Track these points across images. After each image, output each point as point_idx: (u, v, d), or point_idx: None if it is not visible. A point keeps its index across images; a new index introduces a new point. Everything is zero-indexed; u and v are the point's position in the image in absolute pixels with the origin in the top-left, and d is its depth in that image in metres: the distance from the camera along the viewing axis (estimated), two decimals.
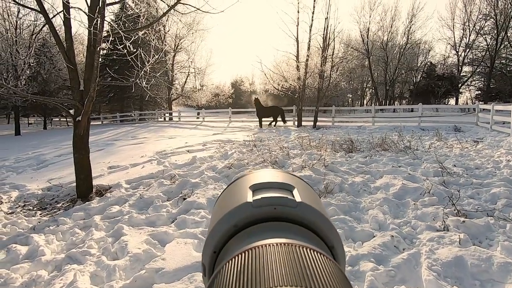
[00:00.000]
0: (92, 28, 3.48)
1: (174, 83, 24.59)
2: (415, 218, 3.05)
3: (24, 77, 19.69)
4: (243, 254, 0.22)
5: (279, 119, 14.70)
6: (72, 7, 3.88)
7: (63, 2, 3.82)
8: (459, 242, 2.37)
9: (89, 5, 3.70)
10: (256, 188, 0.31)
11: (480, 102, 24.36)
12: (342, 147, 7.07)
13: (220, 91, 34.87)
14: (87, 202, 4.02)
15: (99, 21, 3.47)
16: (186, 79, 26.15)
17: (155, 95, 22.54)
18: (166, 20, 20.04)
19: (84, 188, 4.22)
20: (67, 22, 3.86)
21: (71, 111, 4.14)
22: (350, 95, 39.13)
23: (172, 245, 2.75)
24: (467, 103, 29.52)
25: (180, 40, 22.93)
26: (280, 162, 5.54)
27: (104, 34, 4.19)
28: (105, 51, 23.44)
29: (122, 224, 3.31)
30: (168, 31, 19.52)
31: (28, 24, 17.38)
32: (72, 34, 3.97)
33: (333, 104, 17.30)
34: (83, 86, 3.97)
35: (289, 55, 15.67)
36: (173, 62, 23.14)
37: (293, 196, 0.30)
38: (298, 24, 14.57)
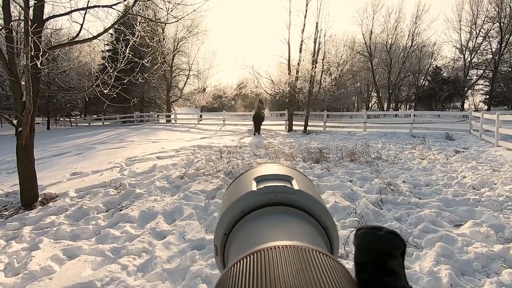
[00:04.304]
0: (23, 45, 3.55)
1: (172, 85, 24.78)
2: None
3: None
4: (249, 257, 0.22)
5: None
6: (14, 20, 3.97)
7: (4, 15, 3.92)
8: None
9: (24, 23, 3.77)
10: (260, 180, 0.35)
11: (485, 107, 23.59)
12: (311, 156, 6.97)
13: (222, 93, 34.91)
14: (25, 212, 4.10)
15: (30, 39, 3.53)
16: (186, 81, 26.36)
17: (152, 97, 22.80)
18: (164, 25, 20.28)
19: (27, 197, 4.30)
20: (9, 36, 3.95)
21: (15, 122, 4.23)
22: (355, 98, 38.62)
23: (73, 262, 2.76)
24: (469, 109, 28.63)
25: (178, 43, 23.15)
26: (236, 173, 5.50)
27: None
28: (110, 53, 23.93)
29: (45, 236, 3.35)
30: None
31: None
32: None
33: (324, 109, 17.04)
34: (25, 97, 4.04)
35: (282, 59, 15.58)
36: (171, 64, 23.36)
37: (292, 185, 0.33)
38: (289, 27, 14.50)
